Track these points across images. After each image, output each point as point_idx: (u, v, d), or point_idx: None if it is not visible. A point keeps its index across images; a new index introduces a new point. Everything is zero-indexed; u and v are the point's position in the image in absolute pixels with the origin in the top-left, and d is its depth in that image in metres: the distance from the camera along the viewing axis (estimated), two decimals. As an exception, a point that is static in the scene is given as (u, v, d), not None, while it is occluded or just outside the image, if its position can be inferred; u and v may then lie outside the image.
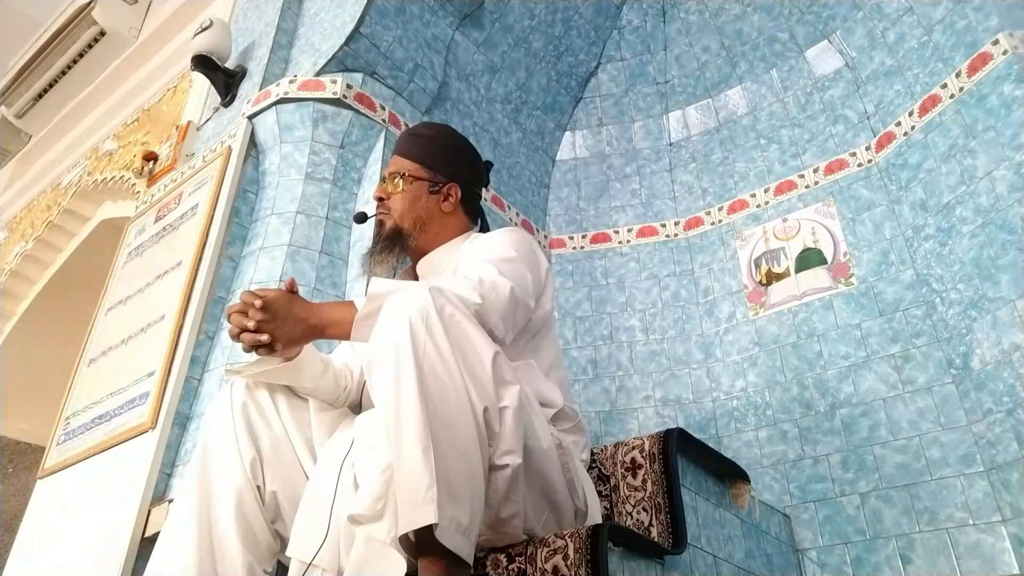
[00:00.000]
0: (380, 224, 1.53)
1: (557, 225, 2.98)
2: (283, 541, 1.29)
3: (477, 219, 1.61)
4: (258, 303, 1.21)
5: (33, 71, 4.05)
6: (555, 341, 1.47)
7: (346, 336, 1.23)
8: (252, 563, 1.22)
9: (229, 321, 1.25)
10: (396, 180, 1.52)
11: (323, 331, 1.25)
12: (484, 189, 1.68)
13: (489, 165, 1.68)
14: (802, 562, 2.05)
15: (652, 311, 2.71)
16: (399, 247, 1.49)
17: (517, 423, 1.10)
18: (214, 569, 1.19)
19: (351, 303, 1.24)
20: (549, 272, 1.46)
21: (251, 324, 1.21)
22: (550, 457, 1.19)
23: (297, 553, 1.18)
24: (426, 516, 0.95)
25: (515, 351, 1.33)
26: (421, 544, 0.98)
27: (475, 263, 1.32)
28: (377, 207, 1.54)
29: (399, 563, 1.03)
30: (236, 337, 1.24)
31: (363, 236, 2.07)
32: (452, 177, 1.54)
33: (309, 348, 1.34)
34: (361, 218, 1.63)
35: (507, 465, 1.08)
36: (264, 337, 1.20)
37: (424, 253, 1.52)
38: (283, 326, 1.22)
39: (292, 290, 1.27)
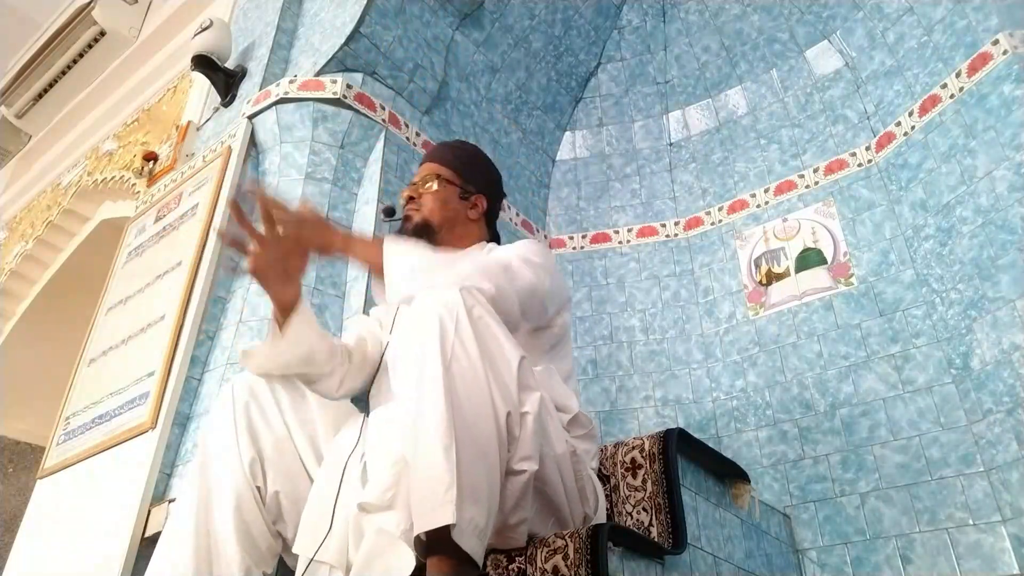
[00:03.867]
0: (407, 219, 1.58)
1: (557, 225, 2.98)
2: (285, 542, 1.29)
3: (493, 237, 1.69)
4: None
5: (33, 71, 4.05)
6: (570, 354, 1.52)
7: (375, 257, 1.28)
8: (250, 566, 1.22)
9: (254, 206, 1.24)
10: (430, 182, 1.60)
11: (348, 245, 1.31)
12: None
13: (503, 195, 1.78)
14: (802, 562, 2.05)
15: (652, 311, 2.71)
16: (424, 240, 1.53)
17: (536, 429, 1.11)
18: (210, 572, 1.19)
19: (378, 240, 1.31)
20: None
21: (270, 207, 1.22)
22: (563, 463, 1.20)
23: (303, 550, 1.18)
24: (444, 516, 0.95)
25: (534, 360, 1.34)
26: (432, 543, 0.98)
27: (503, 253, 1.37)
28: (407, 204, 1.60)
29: (408, 557, 1.03)
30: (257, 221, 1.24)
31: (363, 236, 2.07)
32: (480, 189, 1.65)
33: (304, 306, 1.36)
34: (390, 211, 1.66)
35: (524, 471, 1.08)
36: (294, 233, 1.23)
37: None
38: (310, 228, 1.26)
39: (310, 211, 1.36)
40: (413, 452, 1.01)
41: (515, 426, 1.08)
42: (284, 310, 1.30)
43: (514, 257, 1.34)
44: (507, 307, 1.23)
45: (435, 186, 1.59)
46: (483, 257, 1.32)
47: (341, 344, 1.42)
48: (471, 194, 1.63)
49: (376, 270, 1.28)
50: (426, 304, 1.10)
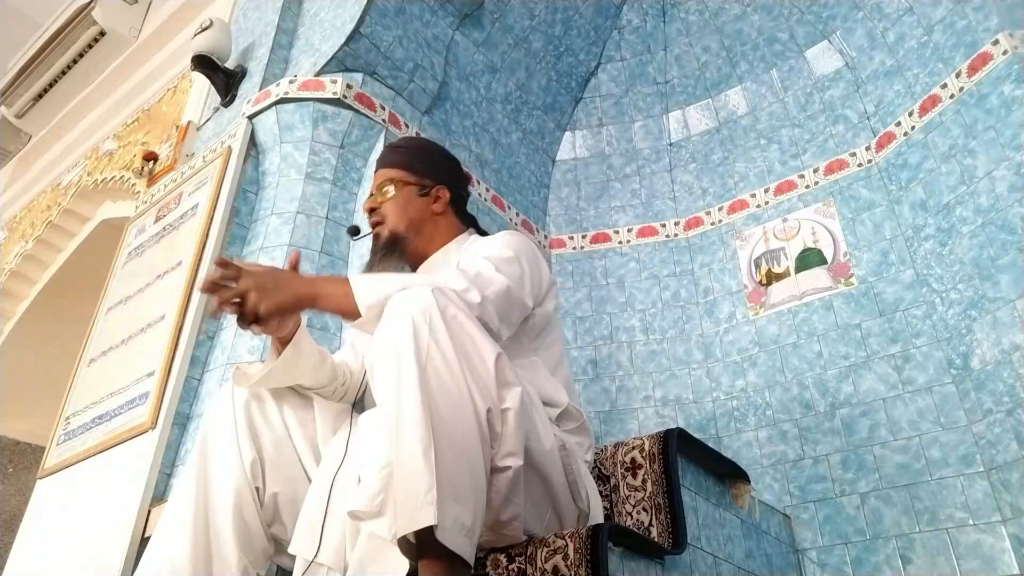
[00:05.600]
0: (376, 236, 1.53)
1: (557, 225, 2.98)
2: (278, 544, 1.29)
3: (468, 223, 1.62)
4: (224, 265, 1.14)
5: (33, 71, 4.05)
6: (559, 341, 1.47)
7: (338, 310, 1.21)
8: (247, 566, 1.21)
9: (204, 290, 1.16)
10: (385, 188, 1.53)
11: (315, 301, 1.21)
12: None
13: (468, 177, 1.70)
14: (802, 562, 2.05)
15: (652, 311, 2.71)
16: (398, 252, 1.49)
17: (519, 425, 1.10)
18: (208, 570, 1.19)
19: (345, 279, 1.22)
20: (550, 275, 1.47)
21: (215, 276, 1.13)
22: (552, 459, 1.19)
23: (301, 550, 1.18)
24: (426, 517, 0.95)
25: (518, 350, 1.33)
26: (421, 545, 0.98)
27: (473, 260, 1.32)
28: (370, 218, 1.55)
29: (401, 561, 1.03)
30: (220, 308, 1.16)
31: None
32: (439, 180, 1.56)
33: (303, 335, 1.32)
34: (355, 231, 1.61)
35: (509, 467, 1.08)
36: (250, 300, 1.13)
37: (422, 257, 1.52)
38: (272, 293, 1.16)
39: (293, 265, 1.25)
40: (397, 456, 1.01)
41: (496, 422, 1.08)
42: (284, 342, 1.28)
43: (483, 261, 1.30)
44: (485, 318, 1.20)
45: (392, 191, 1.53)
46: (450, 272, 1.27)
47: (343, 363, 1.42)
48: (430, 188, 1.54)
49: (350, 316, 1.20)
50: (399, 306, 1.10)
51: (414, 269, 1.53)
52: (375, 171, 1.62)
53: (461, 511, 0.97)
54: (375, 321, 1.15)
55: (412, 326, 1.06)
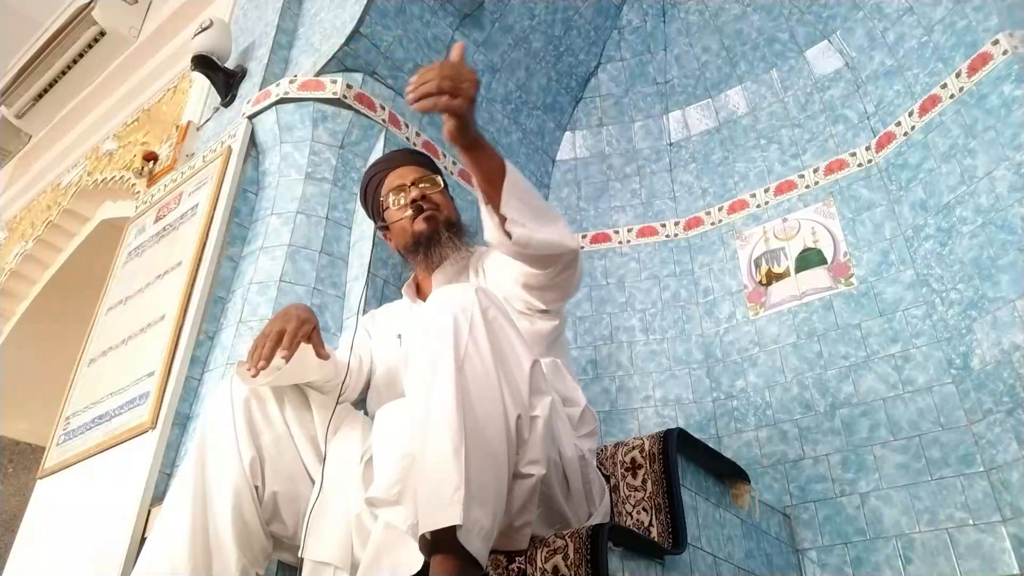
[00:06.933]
0: (430, 219, 1.57)
1: (557, 225, 2.98)
2: (277, 542, 1.28)
3: None
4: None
5: (33, 71, 4.05)
6: (567, 345, 1.52)
7: (493, 172, 1.20)
8: (246, 565, 1.21)
9: (423, 81, 1.11)
10: (429, 183, 1.61)
11: (479, 142, 1.19)
12: None
13: None
14: (802, 562, 2.05)
15: (652, 311, 2.71)
16: (458, 237, 1.55)
17: (545, 433, 1.11)
18: (208, 570, 1.18)
19: (502, 172, 1.21)
20: None
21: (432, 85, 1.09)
22: (572, 467, 1.20)
23: (307, 551, 1.18)
24: (451, 517, 0.95)
25: (539, 351, 1.35)
26: (437, 542, 0.98)
27: None
28: (421, 204, 1.58)
29: (416, 554, 1.03)
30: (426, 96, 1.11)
31: (363, 236, 2.07)
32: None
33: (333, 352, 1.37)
34: (417, 209, 1.62)
35: (531, 475, 1.08)
36: (447, 99, 1.10)
37: (444, 257, 1.57)
38: (466, 88, 1.12)
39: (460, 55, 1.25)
40: (421, 450, 1.01)
41: (524, 429, 1.08)
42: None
43: None
44: (579, 267, 1.32)
45: (440, 183, 1.63)
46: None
47: (344, 361, 1.44)
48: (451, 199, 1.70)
49: (487, 182, 1.20)
50: (441, 303, 1.10)
51: (433, 269, 1.58)
52: (394, 167, 1.66)
53: (483, 514, 0.97)
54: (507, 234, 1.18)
55: (453, 323, 1.06)
